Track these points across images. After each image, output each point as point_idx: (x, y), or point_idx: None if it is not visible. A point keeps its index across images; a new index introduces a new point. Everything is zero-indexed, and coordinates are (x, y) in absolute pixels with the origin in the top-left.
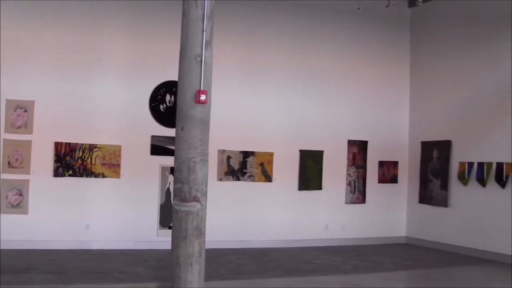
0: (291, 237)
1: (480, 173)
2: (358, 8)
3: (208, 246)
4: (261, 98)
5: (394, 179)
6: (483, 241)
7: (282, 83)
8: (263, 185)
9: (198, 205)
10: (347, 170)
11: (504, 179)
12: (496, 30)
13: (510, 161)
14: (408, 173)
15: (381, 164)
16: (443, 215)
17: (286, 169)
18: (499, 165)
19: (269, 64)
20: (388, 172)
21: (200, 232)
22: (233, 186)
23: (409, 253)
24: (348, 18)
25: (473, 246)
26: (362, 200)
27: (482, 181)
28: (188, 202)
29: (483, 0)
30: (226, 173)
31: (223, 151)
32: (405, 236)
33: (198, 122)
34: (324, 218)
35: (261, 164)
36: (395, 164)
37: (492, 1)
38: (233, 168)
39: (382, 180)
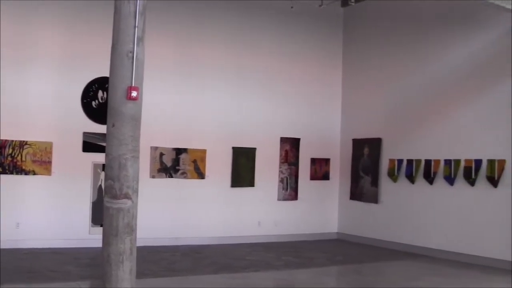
0: (224, 234)
1: (409, 170)
2: (292, 7)
3: (140, 243)
4: (194, 95)
5: (326, 176)
6: (412, 236)
7: (216, 80)
8: (196, 182)
9: (129, 202)
10: (280, 167)
11: (432, 175)
12: (424, 31)
13: (438, 158)
14: (340, 170)
15: (313, 161)
16: (373, 211)
17: (219, 166)
18: (428, 162)
19: (203, 61)
20: (320, 169)
21: (131, 229)
22: (166, 183)
23: (340, 249)
24: (282, 17)
25: (402, 241)
26: (294, 196)
27: (411, 178)
28: (119, 199)
29: (412, 1)
30: (159, 170)
31: (156, 148)
32: (337, 232)
33: (129, 118)
34: (256, 214)
35: (194, 161)
36: (327, 161)
37: (421, 3)
38: (166, 165)
39: (314, 177)
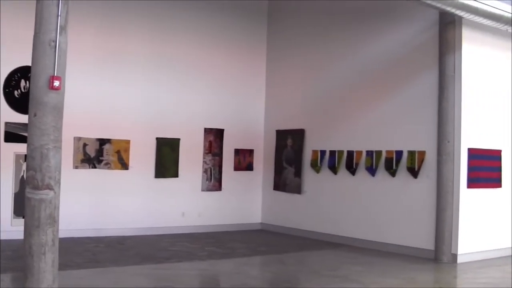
0: (148, 224)
1: (332, 161)
2: None
3: (63, 235)
4: (119, 85)
5: (249, 167)
6: (335, 226)
7: (141, 70)
8: (119, 173)
9: (51, 193)
10: (204, 157)
11: (354, 166)
12: (348, 24)
13: (360, 150)
14: (263, 161)
15: (237, 152)
16: (296, 202)
17: (143, 157)
18: (350, 153)
19: (127, 51)
20: (244, 160)
21: (53, 220)
22: (89, 173)
23: (264, 239)
24: (206, 7)
25: (325, 231)
26: (218, 187)
27: (333, 169)
28: (41, 190)
29: None
30: (82, 161)
31: (79, 138)
32: (260, 223)
33: (51, 108)
34: (180, 205)
35: (118, 152)
36: (250, 152)
37: None
38: (89, 155)
39: (238, 167)
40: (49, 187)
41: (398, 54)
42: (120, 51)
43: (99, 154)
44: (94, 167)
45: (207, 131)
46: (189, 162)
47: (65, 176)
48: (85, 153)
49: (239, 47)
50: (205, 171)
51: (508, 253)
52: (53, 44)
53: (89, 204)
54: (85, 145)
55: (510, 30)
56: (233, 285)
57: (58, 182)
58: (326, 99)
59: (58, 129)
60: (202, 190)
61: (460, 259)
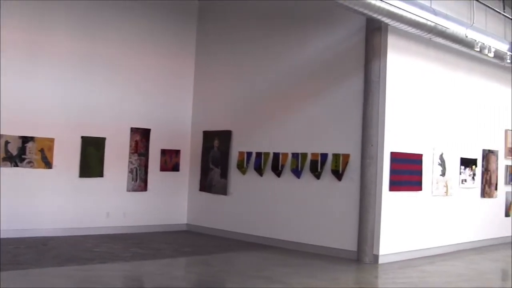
0: (72, 225)
1: (258, 163)
2: None
3: None
4: (43, 83)
5: (176, 167)
6: (261, 227)
7: (66, 68)
8: (43, 172)
9: None
10: (129, 157)
11: (280, 168)
12: (277, 27)
13: (286, 152)
14: (190, 162)
15: (164, 152)
16: (222, 203)
17: (67, 156)
18: (276, 155)
19: (54, 48)
20: (170, 160)
21: None
22: (11, 172)
23: (189, 240)
24: (136, 6)
25: (251, 232)
26: (144, 187)
27: (259, 170)
28: None
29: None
30: (4, 159)
31: (1, 136)
32: (186, 224)
33: None
34: (105, 205)
35: (41, 150)
36: (177, 152)
37: (271, 1)
38: (11, 153)
39: (164, 168)
40: None
41: (325, 58)
42: (47, 48)
43: (22, 152)
44: (16, 165)
45: (134, 130)
46: (114, 161)
47: None
48: (7, 151)
49: (168, 48)
50: (130, 171)
51: (427, 254)
52: None
53: (11, 203)
54: (7, 142)
55: (432, 38)
56: (156, 286)
57: None
58: (254, 101)
59: None
60: (128, 190)
61: (381, 260)
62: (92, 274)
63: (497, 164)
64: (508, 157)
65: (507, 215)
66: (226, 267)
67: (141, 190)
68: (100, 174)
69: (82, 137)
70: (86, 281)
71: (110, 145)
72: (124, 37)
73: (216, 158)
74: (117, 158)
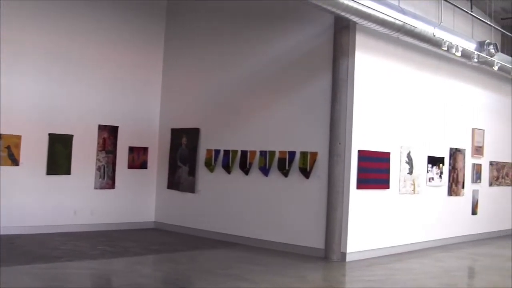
0: (39, 223)
1: (226, 161)
2: None
3: None
4: (10, 79)
5: (143, 165)
6: (228, 225)
7: (34, 65)
8: (9, 169)
9: None
10: (97, 155)
11: (247, 166)
12: (246, 25)
13: (254, 150)
14: (158, 159)
15: (131, 149)
16: (190, 201)
17: (34, 153)
18: (244, 153)
19: (21, 45)
20: (138, 158)
21: None
22: None
23: (157, 238)
24: (104, 4)
25: (219, 230)
26: (112, 185)
27: (227, 168)
28: None
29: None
30: None
31: None
32: (154, 221)
33: None
34: (72, 203)
35: (8, 147)
36: (145, 150)
37: (240, 1)
38: None
39: (132, 165)
40: None
41: (294, 56)
42: (13, 46)
43: None
44: None
45: (101, 128)
46: (82, 159)
47: None
48: None
49: (136, 45)
50: (98, 168)
51: (394, 251)
52: None
53: None
54: None
55: (400, 37)
56: (124, 284)
57: None
58: (222, 99)
59: None
60: (95, 188)
61: (349, 258)
62: (59, 272)
63: (464, 162)
64: (475, 155)
65: (473, 213)
66: (193, 265)
67: (109, 188)
68: (68, 172)
69: (49, 134)
70: (53, 279)
71: (78, 142)
72: (93, 35)
73: (184, 155)
74: (84, 155)
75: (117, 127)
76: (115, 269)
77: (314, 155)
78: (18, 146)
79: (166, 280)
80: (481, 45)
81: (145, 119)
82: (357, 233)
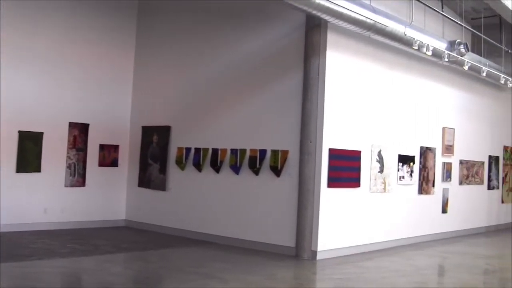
0: (8, 221)
1: (197, 158)
2: None
3: None
4: None
5: (114, 163)
6: (199, 223)
7: (4, 62)
8: None
9: None
10: (68, 152)
11: (218, 164)
12: (217, 23)
13: (225, 148)
14: (129, 157)
15: (102, 147)
16: (161, 199)
17: (4, 150)
18: (215, 151)
19: None
20: (109, 156)
21: None
22: None
23: (127, 236)
24: (74, 3)
25: (190, 228)
26: (82, 183)
27: (198, 166)
28: None
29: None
30: None
31: None
32: (125, 219)
33: None
34: (43, 201)
35: None
36: (116, 147)
37: None
38: None
39: (102, 163)
40: None
41: (265, 54)
42: None
43: None
44: None
45: (72, 125)
46: (52, 156)
47: None
48: None
49: (107, 42)
50: (68, 166)
51: (365, 250)
52: None
53: None
54: None
55: (372, 36)
56: (94, 282)
57: None
58: (193, 96)
59: None
60: (66, 186)
61: (319, 256)
62: (29, 270)
63: (434, 161)
64: (445, 154)
65: (443, 211)
66: (164, 263)
67: (79, 186)
68: (38, 169)
69: (19, 131)
70: (23, 278)
71: (48, 140)
72: (64, 31)
73: (155, 153)
74: (55, 153)
75: (87, 124)
76: (85, 268)
77: (285, 153)
78: None
79: (137, 278)
80: (451, 45)
81: (116, 117)
82: (328, 232)
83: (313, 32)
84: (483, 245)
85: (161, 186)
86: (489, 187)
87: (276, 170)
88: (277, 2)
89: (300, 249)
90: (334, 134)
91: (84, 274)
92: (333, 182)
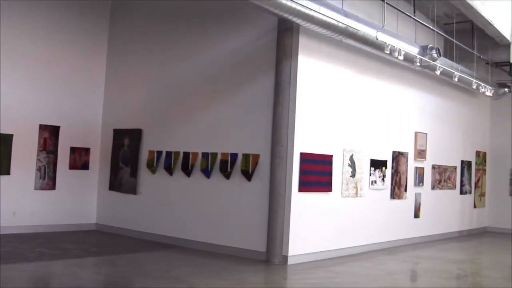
0: None
1: (168, 162)
2: None
3: None
4: None
5: (85, 166)
6: (170, 227)
7: None
8: None
9: None
10: (38, 155)
11: (190, 168)
12: (189, 26)
13: (196, 151)
14: (100, 160)
15: (73, 150)
16: (132, 202)
17: None
18: (186, 155)
19: None
20: (80, 159)
21: None
22: None
23: (98, 240)
24: (46, 4)
25: (161, 232)
26: (52, 186)
27: (169, 170)
28: None
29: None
30: None
31: None
32: (95, 223)
33: None
34: (12, 204)
35: None
36: (87, 150)
37: (183, 1)
38: None
39: (73, 166)
40: None
41: (237, 58)
42: None
43: None
44: None
45: (42, 127)
46: (22, 159)
47: None
48: None
49: (79, 45)
50: (38, 169)
51: (337, 254)
52: None
53: None
54: None
55: (343, 40)
56: (62, 287)
57: None
58: (165, 100)
59: None
60: (35, 189)
61: (290, 261)
62: None
63: (406, 166)
64: (417, 159)
65: (416, 216)
66: (133, 267)
67: (49, 189)
68: (7, 172)
69: None
70: None
71: (18, 142)
72: (34, 33)
73: (126, 156)
74: (25, 155)
75: (58, 127)
76: (53, 272)
77: (256, 157)
78: None
79: (105, 282)
80: (424, 50)
81: (87, 119)
82: (299, 236)
83: (285, 35)
84: (455, 250)
85: (132, 189)
86: (461, 192)
87: (247, 174)
88: (249, 5)
89: (271, 253)
90: (306, 138)
91: (51, 278)
92: (304, 186)
